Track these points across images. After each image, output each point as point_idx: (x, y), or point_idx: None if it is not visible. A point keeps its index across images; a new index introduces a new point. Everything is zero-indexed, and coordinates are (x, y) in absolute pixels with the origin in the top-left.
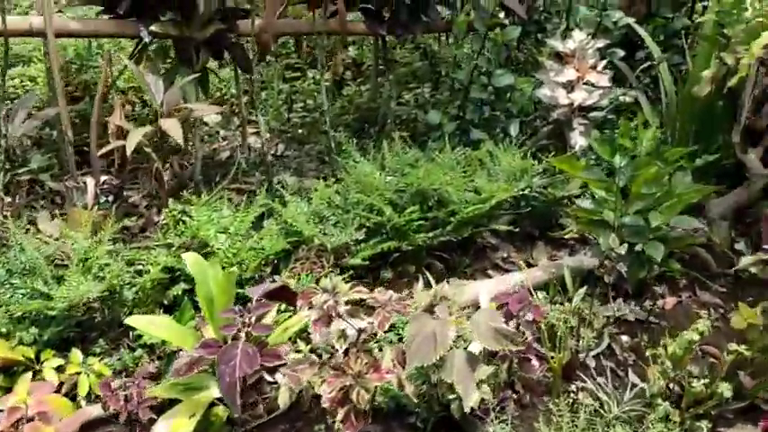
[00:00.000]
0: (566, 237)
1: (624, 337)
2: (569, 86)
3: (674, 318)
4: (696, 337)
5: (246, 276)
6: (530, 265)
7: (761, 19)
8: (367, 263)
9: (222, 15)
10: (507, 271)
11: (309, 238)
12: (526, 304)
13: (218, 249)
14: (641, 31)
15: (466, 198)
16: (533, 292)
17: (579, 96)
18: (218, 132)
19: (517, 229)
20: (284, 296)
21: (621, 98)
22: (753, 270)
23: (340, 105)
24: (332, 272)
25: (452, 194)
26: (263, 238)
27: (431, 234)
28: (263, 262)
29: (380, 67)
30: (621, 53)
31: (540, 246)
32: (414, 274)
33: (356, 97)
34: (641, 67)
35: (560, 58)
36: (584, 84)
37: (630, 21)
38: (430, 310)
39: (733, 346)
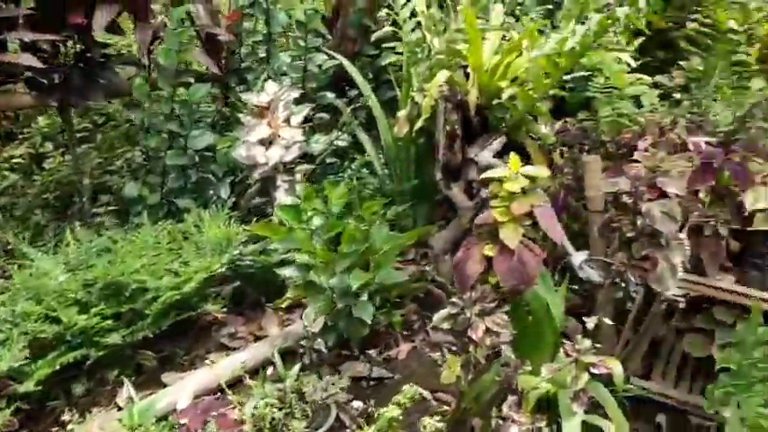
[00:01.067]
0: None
1: (356, 403)
2: (267, 143)
3: (408, 367)
4: (397, 412)
5: None
6: (258, 338)
7: (441, 57)
8: (41, 388)
9: None
10: (234, 349)
11: None
12: (213, 414)
13: None
14: (351, 68)
15: (164, 283)
16: (245, 378)
17: (276, 154)
18: None
19: (225, 308)
20: None
21: (337, 142)
22: (445, 326)
23: (40, 182)
24: None
25: (148, 281)
26: None
27: (129, 330)
28: None
29: (85, 134)
30: (331, 95)
31: (269, 313)
32: (118, 379)
33: (58, 170)
34: (352, 106)
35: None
36: (281, 138)
37: (341, 60)
38: None
39: (427, 420)
